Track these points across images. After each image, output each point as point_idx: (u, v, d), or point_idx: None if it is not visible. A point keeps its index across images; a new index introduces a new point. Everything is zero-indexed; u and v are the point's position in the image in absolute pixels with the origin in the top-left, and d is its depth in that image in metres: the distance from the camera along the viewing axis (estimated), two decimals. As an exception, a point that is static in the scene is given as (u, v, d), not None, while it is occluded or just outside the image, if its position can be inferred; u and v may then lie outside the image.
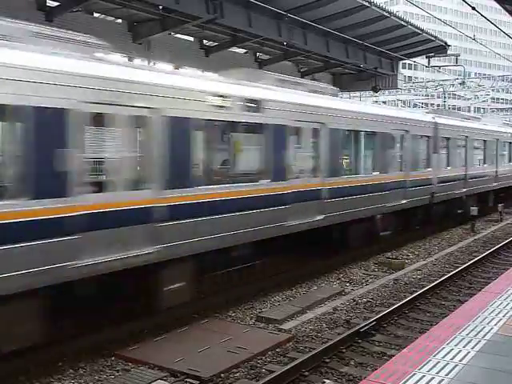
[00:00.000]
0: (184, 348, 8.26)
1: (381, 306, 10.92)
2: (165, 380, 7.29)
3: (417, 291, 11.67)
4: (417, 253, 16.54)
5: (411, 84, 53.17)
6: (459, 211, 20.67)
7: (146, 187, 8.64)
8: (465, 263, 14.62)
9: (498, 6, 14.85)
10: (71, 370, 7.59)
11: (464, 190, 20.96)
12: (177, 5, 16.48)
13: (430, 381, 5.31)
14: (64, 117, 7.36)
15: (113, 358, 8.00)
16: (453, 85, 46.58)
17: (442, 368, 5.60)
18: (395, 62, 29.24)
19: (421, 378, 5.35)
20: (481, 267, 14.60)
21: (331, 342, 8.50)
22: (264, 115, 10.96)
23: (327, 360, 8.10)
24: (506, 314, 7.41)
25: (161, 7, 16.86)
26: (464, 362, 5.78)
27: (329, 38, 23.29)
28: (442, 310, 10.68)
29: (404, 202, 16.30)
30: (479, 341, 6.38)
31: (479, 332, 6.68)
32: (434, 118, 19.18)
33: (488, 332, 6.68)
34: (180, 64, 20.09)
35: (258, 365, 7.95)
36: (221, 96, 9.94)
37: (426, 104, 62.94)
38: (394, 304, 10.77)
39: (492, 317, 7.28)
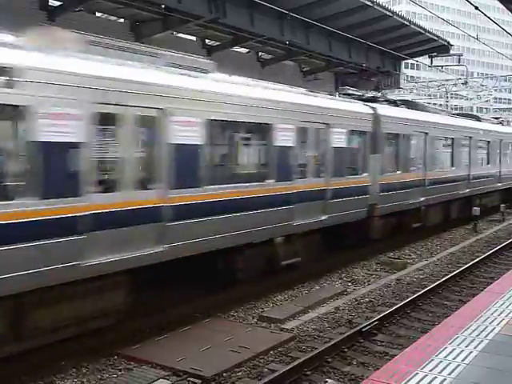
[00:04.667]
0: (186, 347, 8.26)
1: (383, 306, 10.92)
2: (167, 379, 7.30)
3: (419, 291, 11.67)
4: (419, 253, 16.53)
5: (414, 84, 53.02)
6: None
7: None
8: (467, 263, 14.61)
9: (501, 5, 14.84)
10: (74, 369, 7.60)
11: None
12: (179, 4, 16.49)
13: (432, 380, 5.31)
14: None
15: (115, 357, 8.00)
16: (455, 84, 46.35)
17: (445, 368, 5.60)
18: (398, 61, 29.23)
19: (423, 378, 5.35)
20: (483, 267, 14.58)
21: (333, 342, 8.51)
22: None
23: (329, 359, 8.10)
24: (509, 313, 7.41)
25: (163, 6, 16.87)
26: (466, 361, 5.78)
27: (331, 38, 23.26)
28: (444, 310, 10.67)
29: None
30: (482, 340, 6.38)
31: (482, 332, 6.68)
32: None
33: (490, 332, 6.68)
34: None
35: (261, 364, 7.96)
36: None
37: (429, 104, 62.69)
38: (396, 304, 10.77)
39: (494, 317, 7.28)
